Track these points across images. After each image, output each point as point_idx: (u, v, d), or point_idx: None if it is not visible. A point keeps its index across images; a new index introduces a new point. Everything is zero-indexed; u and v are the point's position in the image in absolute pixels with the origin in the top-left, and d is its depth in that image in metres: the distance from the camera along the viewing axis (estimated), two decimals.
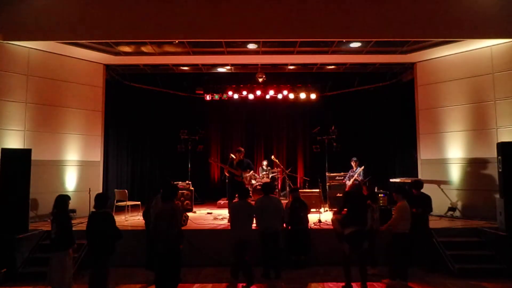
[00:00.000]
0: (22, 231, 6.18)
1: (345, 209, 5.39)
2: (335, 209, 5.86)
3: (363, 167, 8.41)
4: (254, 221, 5.74)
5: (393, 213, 5.81)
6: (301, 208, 6.22)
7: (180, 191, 8.87)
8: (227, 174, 7.75)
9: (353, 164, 8.67)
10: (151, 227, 5.77)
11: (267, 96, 10.61)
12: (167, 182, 5.19)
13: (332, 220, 5.58)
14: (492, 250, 6.20)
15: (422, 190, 6.23)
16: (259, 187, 9.44)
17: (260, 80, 9.93)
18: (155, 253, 4.46)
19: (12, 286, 5.53)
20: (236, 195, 7.27)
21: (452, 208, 8.00)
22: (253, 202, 5.95)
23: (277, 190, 9.92)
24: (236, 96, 10.62)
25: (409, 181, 8.23)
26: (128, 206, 8.01)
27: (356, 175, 8.38)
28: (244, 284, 5.37)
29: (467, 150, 7.99)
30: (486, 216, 7.39)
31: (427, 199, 6.10)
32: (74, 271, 5.78)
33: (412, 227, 5.61)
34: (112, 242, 4.56)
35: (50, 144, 7.93)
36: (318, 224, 7.07)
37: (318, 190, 8.95)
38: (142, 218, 6.41)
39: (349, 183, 8.54)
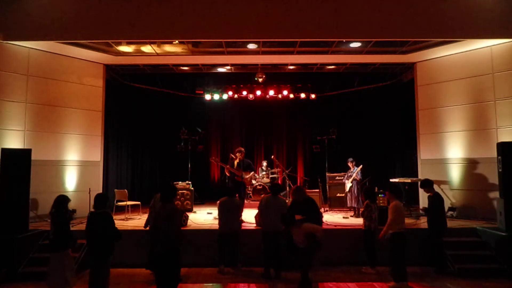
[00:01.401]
0: (22, 231, 6.17)
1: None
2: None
3: (361, 166, 8.41)
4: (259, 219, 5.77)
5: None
6: None
7: (180, 191, 8.88)
8: (228, 174, 7.76)
9: (350, 164, 8.67)
10: (150, 226, 5.80)
11: (267, 96, 10.61)
12: (166, 182, 5.20)
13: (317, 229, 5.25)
14: (492, 250, 6.20)
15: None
16: (259, 187, 9.47)
17: (260, 80, 9.93)
18: (155, 253, 4.46)
19: (12, 286, 5.53)
20: (237, 195, 7.31)
21: (452, 208, 8.00)
22: (252, 202, 5.99)
23: None
24: (236, 96, 10.61)
25: (409, 181, 8.24)
26: (128, 206, 8.00)
27: (354, 175, 8.38)
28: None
29: (467, 150, 7.99)
30: (486, 216, 7.40)
31: (432, 199, 6.06)
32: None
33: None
34: (112, 242, 4.56)
35: (50, 144, 7.93)
36: None
37: (318, 190, 8.96)
38: (142, 218, 6.40)
39: (347, 183, 8.54)
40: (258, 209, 6.05)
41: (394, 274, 5.37)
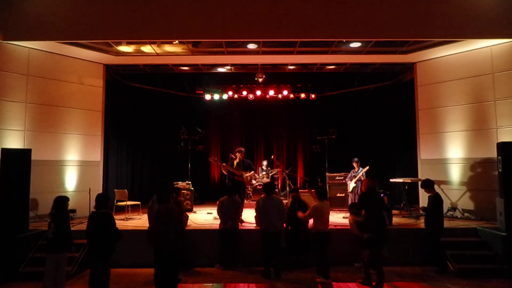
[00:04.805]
0: (22, 231, 6.18)
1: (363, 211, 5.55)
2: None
3: (367, 168, 8.38)
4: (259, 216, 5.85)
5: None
6: (301, 208, 6.22)
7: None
8: (225, 173, 7.77)
9: (354, 164, 8.67)
10: (149, 228, 5.78)
11: (267, 96, 10.61)
12: (162, 183, 5.13)
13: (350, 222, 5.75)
14: (492, 250, 6.21)
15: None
16: (259, 187, 9.46)
17: (260, 80, 9.93)
18: (156, 254, 4.45)
19: (12, 286, 5.54)
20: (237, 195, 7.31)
21: (452, 208, 8.01)
22: (252, 202, 6.01)
23: (277, 190, 9.92)
24: (236, 96, 10.61)
25: (409, 181, 8.24)
26: (128, 206, 8.01)
27: (360, 175, 8.37)
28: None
29: (467, 150, 7.99)
30: (486, 216, 7.41)
31: (432, 199, 6.05)
32: (73, 271, 5.82)
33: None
34: (112, 242, 4.55)
35: (50, 144, 7.92)
36: None
37: None
38: (142, 218, 6.39)
39: (351, 183, 8.53)
40: (256, 210, 6.04)
41: (318, 270, 5.62)
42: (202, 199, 10.71)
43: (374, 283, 5.29)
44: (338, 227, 6.92)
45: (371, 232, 5.29)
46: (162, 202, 4.50)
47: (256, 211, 6.05)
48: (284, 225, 6.09)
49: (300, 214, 5.82)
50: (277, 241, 5.75)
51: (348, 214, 8.39)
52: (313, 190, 6.08)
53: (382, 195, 7.28)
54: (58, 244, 4.55)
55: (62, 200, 4.68)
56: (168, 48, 8.27)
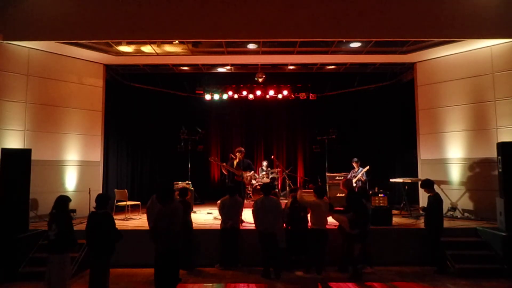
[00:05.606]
0: (22, 231, 6.17)
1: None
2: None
3: (367, 167, 8.37)
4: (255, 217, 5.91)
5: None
6: (301, 208, 6.23)
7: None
8: (225, 172, 7.77)
9: (354, 164, 8.66)
10: (150, 227, 5.78)
11: (267, 96, 10.60)
12: (163, 183, 5.10)
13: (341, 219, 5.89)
14: (492, 250, 6.20)
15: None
16: (259, 187, 9.46)
17: (260, 80, 9.93)
18: (157, 253, 4.45)
19: (12, 286, 5.54)
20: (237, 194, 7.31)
21: (452, 208, 8.01)
22: (252, 202, 6.02)
23: (277, 190, 9.91)
24: (236, 96, 10.61)
25: (409, 181, 8.24)
26: (128, 206, 8.01)
27: (359, 175, 8.36)
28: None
29: (467, 150, 7.99)
30: (486, 216, 7.41)
31: (432, 199, 6.04)
32: (73, 271, 5.82)
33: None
34: (112, 242, 4.55)
35: (50, 144, 7.93)
36: None
37: None
38: (142, 218, 6.38)
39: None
40: (253, 211, 6.03)
41: (318, 270, 5.72)
42: (202, 199, 10.71)
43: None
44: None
45: (360, 228, 5.70)
46: (163, 202, 4.49)
47: (253, 212, 6.04)
48: (284, 225, 6.09)
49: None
50: (275, 242, 5.74)
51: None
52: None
53: (382, 195, 7.29)
54: (61, 245, 4.52)
55: (63, 200, 4.63)
56: (168, 48, 8.27)
